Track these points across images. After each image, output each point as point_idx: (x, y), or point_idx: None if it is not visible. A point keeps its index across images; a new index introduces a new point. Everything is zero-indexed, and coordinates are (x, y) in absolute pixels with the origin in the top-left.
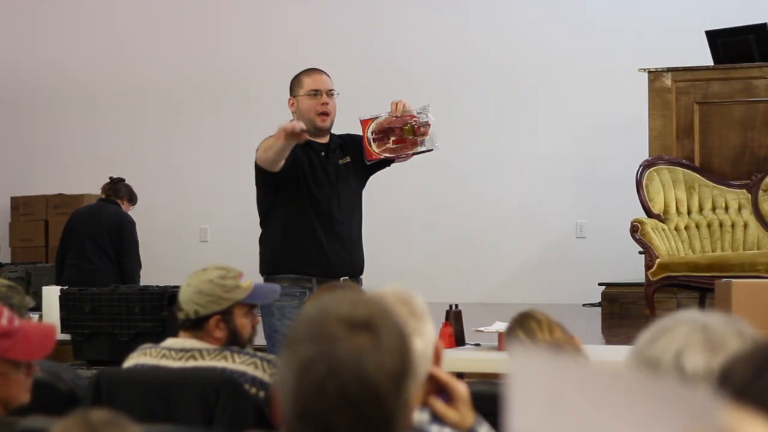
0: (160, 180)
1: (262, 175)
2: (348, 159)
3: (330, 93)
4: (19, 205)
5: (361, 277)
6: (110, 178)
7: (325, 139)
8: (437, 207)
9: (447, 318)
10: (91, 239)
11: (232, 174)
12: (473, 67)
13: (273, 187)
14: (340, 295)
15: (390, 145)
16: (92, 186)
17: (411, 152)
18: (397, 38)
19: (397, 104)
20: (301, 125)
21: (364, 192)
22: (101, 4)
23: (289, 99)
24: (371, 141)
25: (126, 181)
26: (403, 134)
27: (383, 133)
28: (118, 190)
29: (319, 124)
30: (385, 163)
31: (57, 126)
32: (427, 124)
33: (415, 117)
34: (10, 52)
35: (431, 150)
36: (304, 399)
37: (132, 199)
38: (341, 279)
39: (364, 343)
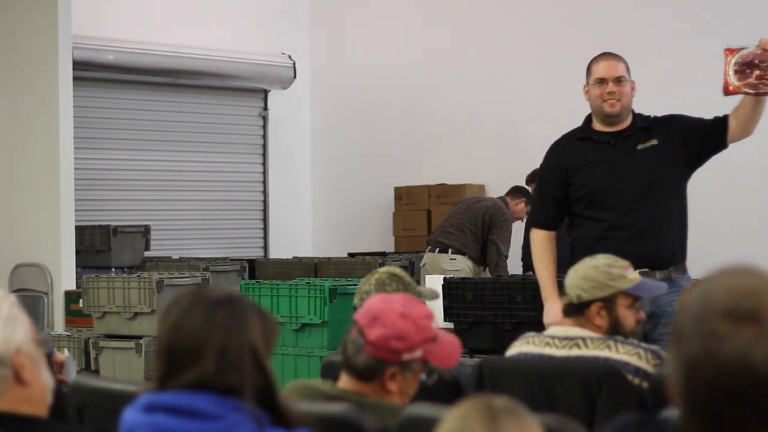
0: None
1: None
2: (654, 141)
3: (618, 80)
4: (402, 195)
5: (679, 265)
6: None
7: (619, 126)
8: None
9: None
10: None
11: None
12: None
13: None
14: (724, 283)
15: (752, 80)
16: (474, 176)
17: None
18: None
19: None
20: None
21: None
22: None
23: (584, 86)
24: (732, 73)
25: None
26: None
27: (746, 66)
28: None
29: (607, 110)
30: (718, 147)
31: (440, 117)
32: None
33: None
34: (395, 50)
35: None
36: (694, 398)
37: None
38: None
39: (750, 335)
